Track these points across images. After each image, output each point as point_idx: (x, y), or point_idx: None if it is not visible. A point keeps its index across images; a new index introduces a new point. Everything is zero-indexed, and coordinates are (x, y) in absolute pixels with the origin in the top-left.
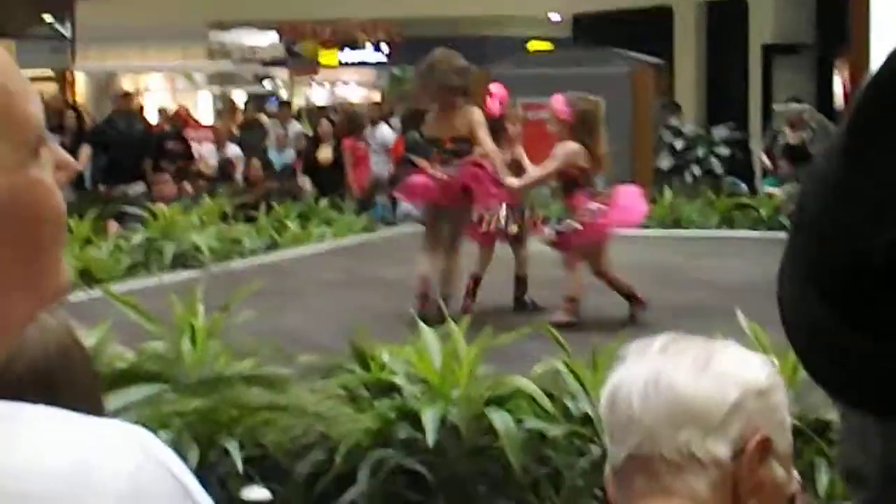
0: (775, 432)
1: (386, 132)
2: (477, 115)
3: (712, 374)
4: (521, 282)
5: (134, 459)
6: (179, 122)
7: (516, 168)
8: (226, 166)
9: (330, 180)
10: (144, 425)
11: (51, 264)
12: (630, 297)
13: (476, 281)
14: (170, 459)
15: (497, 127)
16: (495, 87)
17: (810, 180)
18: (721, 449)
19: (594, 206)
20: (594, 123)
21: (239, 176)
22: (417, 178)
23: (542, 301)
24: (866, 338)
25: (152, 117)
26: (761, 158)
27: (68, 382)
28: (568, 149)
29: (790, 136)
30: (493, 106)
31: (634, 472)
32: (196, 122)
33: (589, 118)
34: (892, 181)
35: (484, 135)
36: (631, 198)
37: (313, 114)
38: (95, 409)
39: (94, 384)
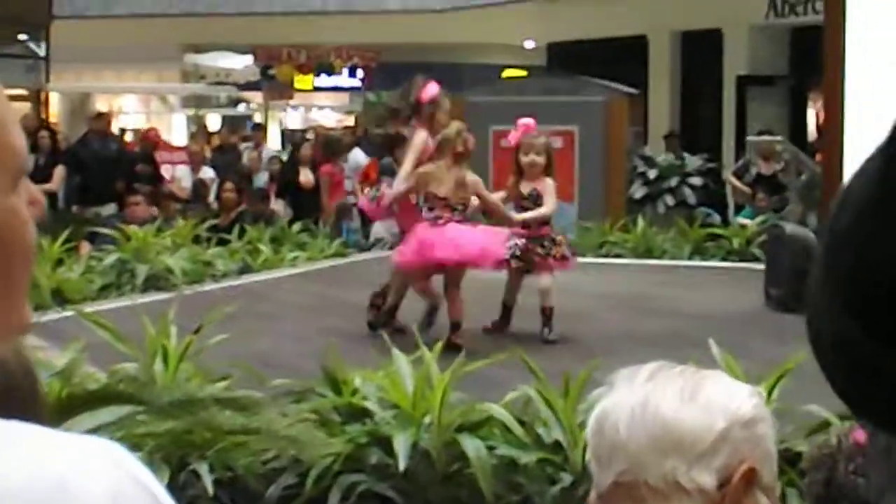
0: (761, 463)
1: (360, 156)
2: (477, 179)
3: (699, 404)
4: (543, 312)
5: (112, 478)
6: (149, 144)
7: (537, 199)
8: (199, 188)
9: (307, 204)
10: None
11: (19, 298)
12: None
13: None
14: (146, 477)
15: (512, 159)
16: (523, 120)
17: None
18: (706, 478)
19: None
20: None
21: (212, 198)
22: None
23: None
24: None
25: (126, 138)
26: (732, 182)
27: (6, 396)
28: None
29: (762, 167)
30: (512, 137)
31: (619, 498)
32: (166, 144)
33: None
34: None
35: (489, 195)
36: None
37: (293, 137)
38: (41, 418)
39: (36, 402)
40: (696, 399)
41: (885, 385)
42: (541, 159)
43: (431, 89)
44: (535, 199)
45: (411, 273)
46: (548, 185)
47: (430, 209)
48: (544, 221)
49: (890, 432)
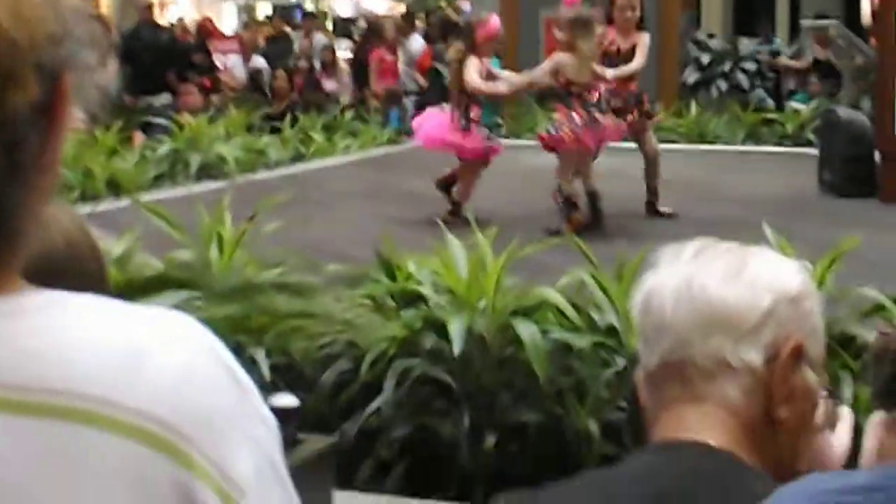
0: (808, 338)
1: (416, 44)
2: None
3: (745, 281)
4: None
5: (187, 348)
6: (205, 33)
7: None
8: (255, 77)
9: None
10: None
11: None
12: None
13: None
14: (222, 351)
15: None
16: (493, 18)
17: None
18: (753, 355)
19: (577, 119)
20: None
21: (265, 87)
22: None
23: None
24: None
25: (177, 29)
26: (787, 64)
27: (76, 273)
28: (555, 59)
29: (817, 52)
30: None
31: (667, 377)
32: (221, 33)
33: (590, 29)
34: None
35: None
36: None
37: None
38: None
39: (102, 278)
40: (741, 276)
41: None
42: (636, 13)
43: (494, 23)
44: (630, 52)
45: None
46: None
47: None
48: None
49: None
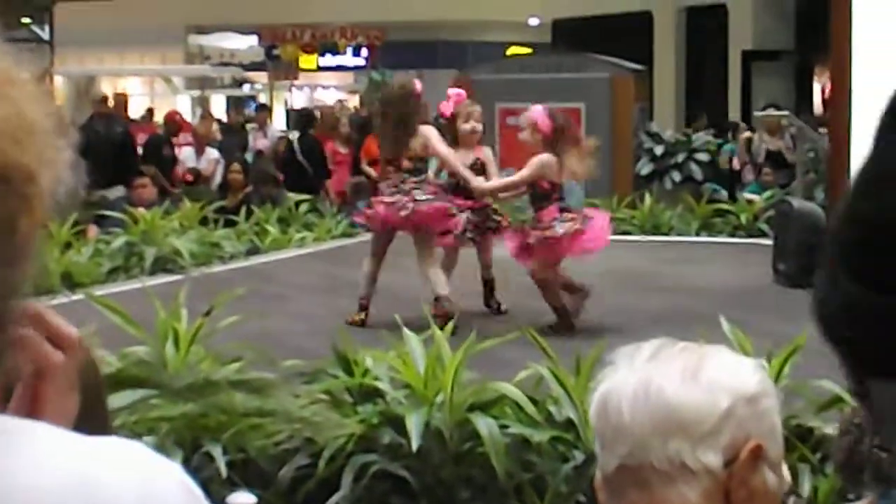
0: (767, 438)
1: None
2: (429, 131)
3: (702, 383)
4: (486, 285)
5: (140, 472)
6: (174, 126)
7: (481, 169)
8: (208, 170)
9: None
10: (131, 430)
11: None
12: (560, 311)
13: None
14: (177, 470)
15: (448, 129)
16: (452, 90)
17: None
18: (712, 458)
19: (565, 222)
20: (570, 137)
21: (218, 180)
22: (378, 210)
23: (509, 304)
24: None
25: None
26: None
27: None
28: (543, 160)
29: (769, 142)
30: (445, 107)
31: (625, 481)
32: (189, 125)
33: (565, 132)
34: None
35: (438, 145)
36: (601, 222)
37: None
38: (101, 415)
39: (99, 391)
40: (698, 378)
41: (885, 332)
42: (480, 127)
43: (452, 100)
44: (480, 168)
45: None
46: (488, 153)
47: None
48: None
49: (888, 377)
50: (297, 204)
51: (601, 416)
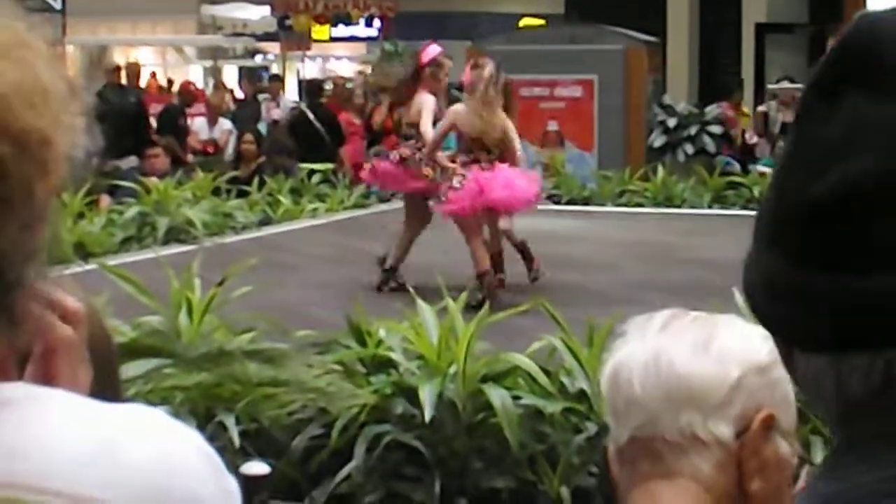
0: (779, 408)
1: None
2: (426, 100)
3: (713, 354)
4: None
5: (161, 438)
6: (189, 97)
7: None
8: (221, 140)
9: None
10: (145, 399)
11: None
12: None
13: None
14: (198, 438)
15: (419, 76)
16: (431, 46)
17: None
18: (724, 429)
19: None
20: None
21: (231, 151)
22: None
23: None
24: (823, 276)
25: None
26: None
27: (92, 356)
28: (451, 110)
29: (783, 115)
30: (423, 56)
31: (638, 453)
32: (203, 95)
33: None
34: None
35: (425, 119)
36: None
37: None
38: (113, 382)
39: (110, 358)
40: (709, 349)
41: (803, 307)
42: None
43: (431, 51)
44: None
45: (468, 221)
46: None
47: (468, 152)
48: None
49: (815, 352)
50: (310, 174)
51: (612, 388)
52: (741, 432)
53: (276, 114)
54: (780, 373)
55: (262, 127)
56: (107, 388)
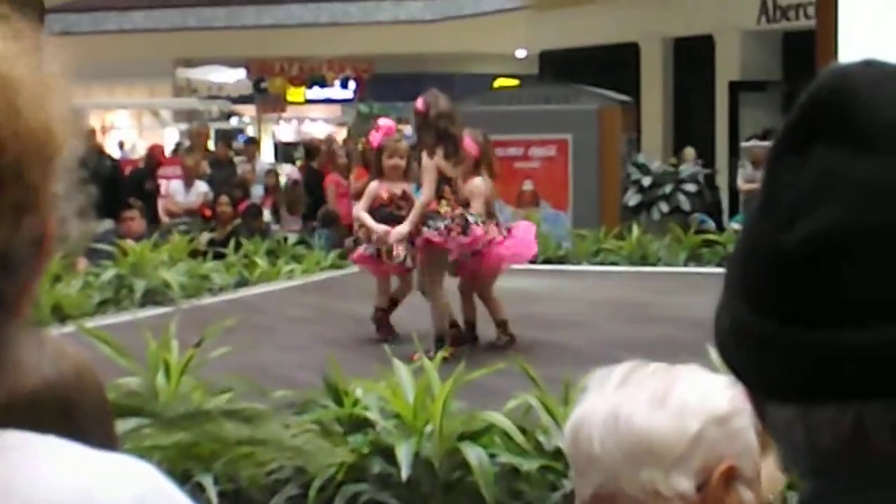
0: (740, 457)
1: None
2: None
3: (671, 408)
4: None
5: (138, 487)
6: (154, 160)
7: (402, 200)
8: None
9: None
10: None
11: None
12: (501, 325)
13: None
14: (174, 490)
15: (374, 160)
16: (383, 121)
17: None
18: (685, 483)
19: (492, 234)
20: (492, 158)
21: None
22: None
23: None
24: (790, 328)
25: (117, 153)
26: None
27: (82, 403)
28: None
29: (753, 171)
30: (374, 138)
31: None
32: (168, 159)
33: (489, 153)
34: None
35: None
36: (525, 233)
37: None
38: (108, 433)
39: (106, 409)
40: (667, 403)
41: (772, 358)
42: (403, 162)
43: (381, 131)
44: (402, 199)
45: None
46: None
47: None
48: None
49: (783, 402)
50: (286, 237)
51: (573, 445)
52: (702, 485)
53: (295, 174)
54: (741, 422)
55: (259, 189)
56: (105, 442)
